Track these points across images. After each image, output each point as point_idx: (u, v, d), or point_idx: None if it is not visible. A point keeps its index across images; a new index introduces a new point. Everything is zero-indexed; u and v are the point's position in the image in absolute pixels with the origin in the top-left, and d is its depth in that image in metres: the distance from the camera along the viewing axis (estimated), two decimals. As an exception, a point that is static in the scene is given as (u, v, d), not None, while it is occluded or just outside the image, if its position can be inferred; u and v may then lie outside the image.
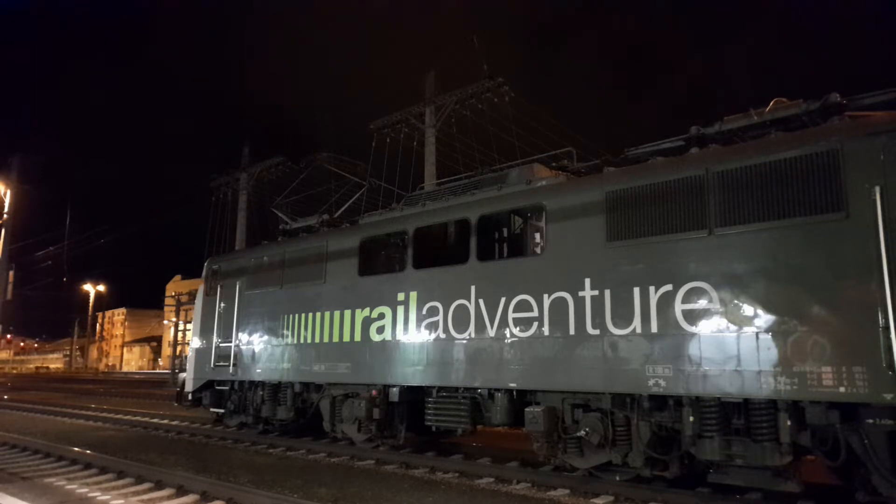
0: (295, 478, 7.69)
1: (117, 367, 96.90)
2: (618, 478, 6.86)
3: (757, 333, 5.61)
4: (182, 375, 13.21)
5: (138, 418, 14.66)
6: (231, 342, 11.54)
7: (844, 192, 5.34)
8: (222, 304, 11.99)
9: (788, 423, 5.42)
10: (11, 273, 25.53)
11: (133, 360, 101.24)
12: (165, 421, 13.87)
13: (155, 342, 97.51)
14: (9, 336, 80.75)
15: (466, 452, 9.17)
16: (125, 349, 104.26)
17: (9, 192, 25.54)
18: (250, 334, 11.22)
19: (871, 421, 5.14)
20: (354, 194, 12.37)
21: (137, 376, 58.26)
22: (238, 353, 11.39)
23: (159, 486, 7.08)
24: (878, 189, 5.13)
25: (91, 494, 6.66)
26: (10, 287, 25.35)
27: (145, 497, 6.70)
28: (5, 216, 25.36)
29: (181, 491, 6.83)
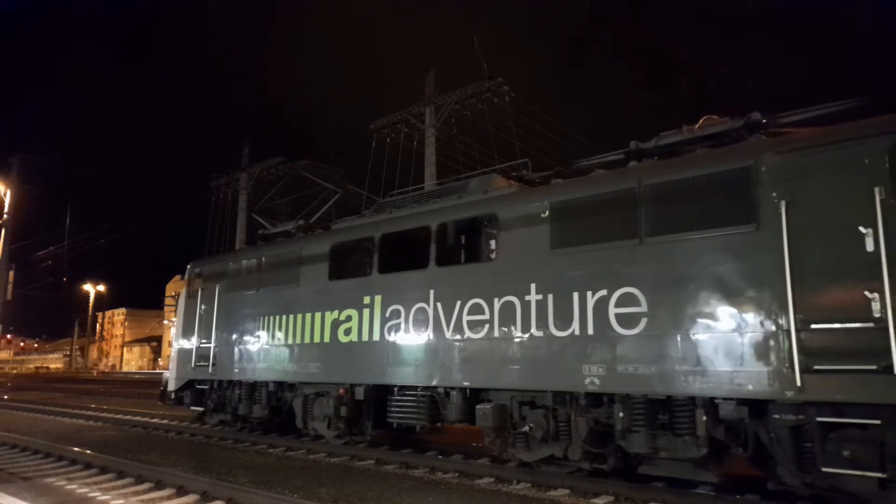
0: (295, 478, 7.74)
1: (117, 367, 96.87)
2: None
3: (678, 335, 6.18)
4: (166, 374, 13.75)
5: (138, 418, 14.74)
6: (210, 343, 12.12)
7: (756, 205, 5.90)
8: (203, 306, 12.58)
9: (704, 418, 5.98)
10: (11, 273, 25.60)
11: (133, 360, 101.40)
12: (165, 421, 13.98)
13: (155, 342, 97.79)
14: (9, 336, 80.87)
15: (466, 452, 9.22)
16: (125, 349, 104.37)
17: (9, 192, 25.54)
18: (228, 335, 11.80)
19: (776, 416, 5.68)
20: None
21: (137, 376, 58.21)
22: (217, 354, 11.97)
23: (159, 486, 7.15)
24: (784, 203, 5.70)
25: (91, 494, 6.71)
26: (10, 287, 25.40)
27: (145, 497, 6.75)
28: (5, 216, 25.39)
29: (181, 491, 6.89)
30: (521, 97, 21.28)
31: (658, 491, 6.53)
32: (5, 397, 23.52)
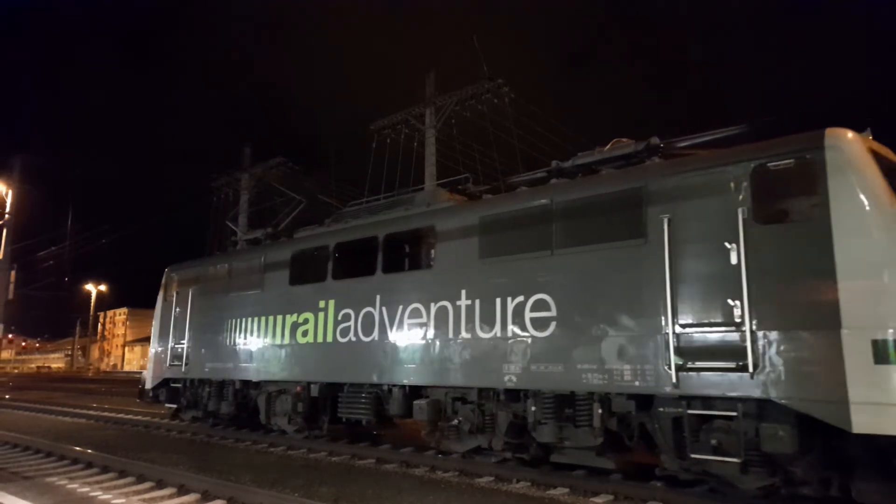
0: (296, 477, 7.79)
1: (119, 366, 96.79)
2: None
3: (581, 337, 7.01)
4: (144, 374, 14.67)
5: (139, 418, 14.79)
6: (184, 343, 13.04)
7: (645, 221, 6.72)
8: (177, 309, 13.49)
9: (600, 411, 6.83)
10: (13, 273, 25.64)
11: (134, 360, 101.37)
12: (166, 420, 13.98)
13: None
14: (10, 336, 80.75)
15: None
16: (127, 349, 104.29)
17: (10, 193, 25.57)
18: (200, 336, 12.73)
19: (660, 409, 6.49)
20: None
21: (138, 376, 58.20)
22: (189, 354, 12.90)
23: (160, 485, 7.24)
24: (666, 219, 6.48)
25: (92, 494, 6.78)
26: (11, 287, 25.40)
27: (146, 496, 6.83)
28: (7, 216, 25.43)
29: (182, 490, 6.96)
30: (521, 98, 21.29)
31: (658, 490, 6.74)
32: (7, 397, 23.60)
